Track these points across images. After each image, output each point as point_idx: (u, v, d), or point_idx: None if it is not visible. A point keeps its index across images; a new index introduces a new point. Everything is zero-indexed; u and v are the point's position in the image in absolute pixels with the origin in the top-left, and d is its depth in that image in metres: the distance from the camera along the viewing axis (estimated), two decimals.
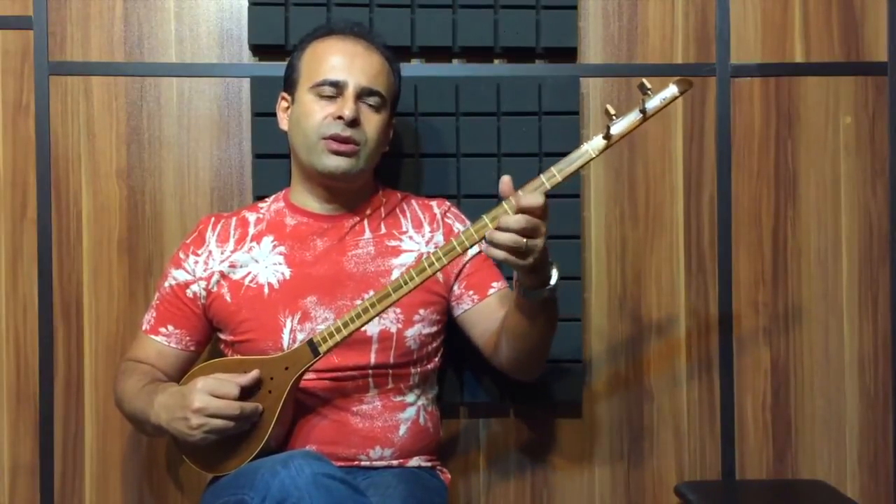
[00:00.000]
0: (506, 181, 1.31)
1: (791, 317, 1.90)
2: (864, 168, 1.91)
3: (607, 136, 1.32)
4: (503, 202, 1.32)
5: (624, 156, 1.87)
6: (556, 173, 1.32)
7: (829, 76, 1.90)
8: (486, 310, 1.57)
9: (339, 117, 1.49)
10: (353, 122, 1.49)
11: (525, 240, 1.27)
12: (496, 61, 1.86)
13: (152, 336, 1.58)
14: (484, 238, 1.31)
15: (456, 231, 1.62)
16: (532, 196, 1.28)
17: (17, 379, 1.81)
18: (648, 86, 1.28)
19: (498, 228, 1.28)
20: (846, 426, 1.91)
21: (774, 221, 1.90)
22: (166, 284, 1.58)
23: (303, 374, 1.43)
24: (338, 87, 1.51)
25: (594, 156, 1.32)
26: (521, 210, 1.28)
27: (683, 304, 1.89)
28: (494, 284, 1.59)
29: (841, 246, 1.91)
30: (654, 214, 1.88)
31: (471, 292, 1.58)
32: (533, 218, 1.27)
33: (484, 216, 1.34)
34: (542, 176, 1.32)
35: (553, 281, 1.36)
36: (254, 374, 1.41)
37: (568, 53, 1.86)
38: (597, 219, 1.87)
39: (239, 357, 1.50)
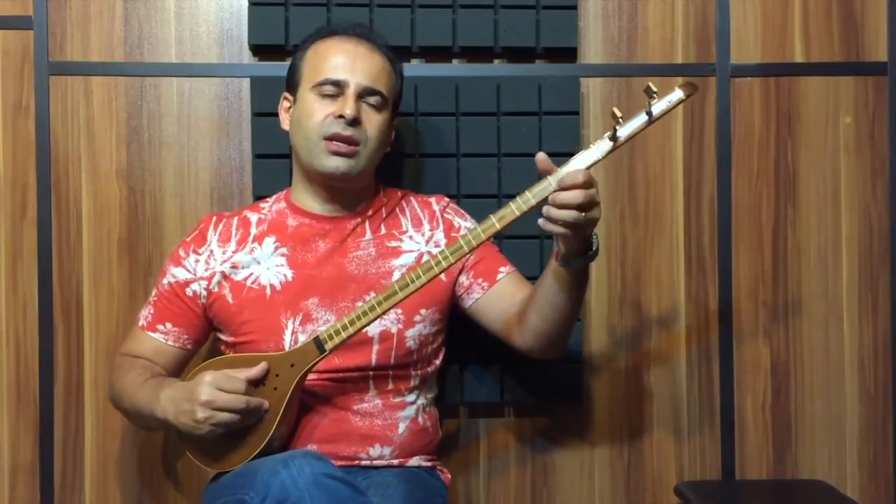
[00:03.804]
0: (542, 157, 1.32)
1: (791, 317, 1.90)
2: (864, 168, 1.91)
3: (614, 139, 1.33)
4: (546, 177, 1.32)
5: (624, 155, 1.87)
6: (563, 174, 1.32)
7: (829, 76, 1.90)
8: (498, 295, 1.58)
9: (340, 116, 1.49)
10: (354, 121, 1.50)
11: (584, 214, 1.29)
12: (496, 61, 1.86)
13: (149, 332, 1.57)
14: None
15: (456, 226, 1.62)
16: (574, 174, 1.28)
17: (17, 379, 1.80)
18: (654, 89, 1.29)
19: (556, 205, 1.29)
20: (846, 426, 1.91)
21: (774, 221, 1.90)
22: (165, 281, 1.58)
23: (308, 371, 1.43)
24: (339, 87, 1.51)
25: (600, 158, 1.34)
26: (565, 188, 1.29)
27: (683, 303, 1.89)
28: (502, 269, 1.59)
29: (841, 246, 1.91)
30: (654, 214, 1.88)
31: (480, 280, 1.59)
32: (587, 191, 1.28)
33: (491, 216, 1.35)
34: (549, 177, 1.33)
35: (595, 246, 1.38)
36: (262, 365, 1.41)
37: (568, 53, 1.86)
38: None
39: (246, 354, 1.49)
